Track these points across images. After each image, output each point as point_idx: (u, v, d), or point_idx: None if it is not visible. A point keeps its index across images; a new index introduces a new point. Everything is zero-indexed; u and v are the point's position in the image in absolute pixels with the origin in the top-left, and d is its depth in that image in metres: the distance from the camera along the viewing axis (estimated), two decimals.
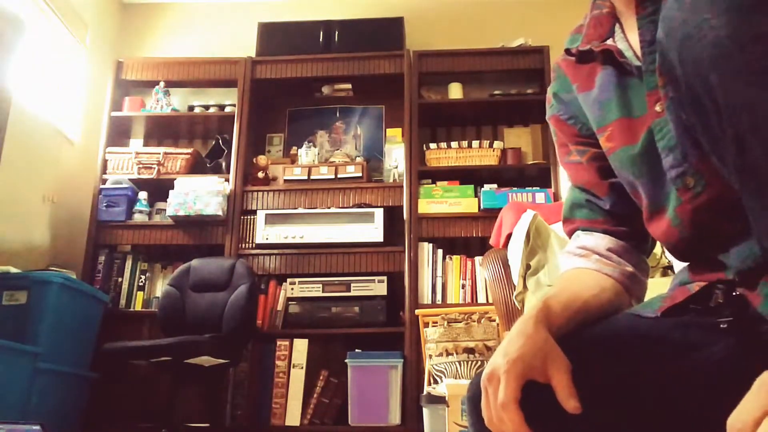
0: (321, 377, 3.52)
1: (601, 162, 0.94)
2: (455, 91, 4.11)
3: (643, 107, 0.82)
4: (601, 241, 0.96)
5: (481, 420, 0.77)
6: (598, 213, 0.98)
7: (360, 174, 3.88)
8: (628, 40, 0.88)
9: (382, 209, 3.72)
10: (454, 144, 3.94)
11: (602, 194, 0.96)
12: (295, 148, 4.14)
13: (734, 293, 0.78)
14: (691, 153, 0.74)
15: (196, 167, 4.04)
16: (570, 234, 1.02)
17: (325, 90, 4.23)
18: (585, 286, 0.90)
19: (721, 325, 0.77)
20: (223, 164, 4.01)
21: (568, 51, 0.98)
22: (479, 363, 2.95)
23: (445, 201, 3.79)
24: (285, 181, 3.93)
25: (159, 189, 3.91)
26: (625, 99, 0.86)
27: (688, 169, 0.76)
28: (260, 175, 3.96)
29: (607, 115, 0.89)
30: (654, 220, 0.85)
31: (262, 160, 3.99)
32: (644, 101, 0.82)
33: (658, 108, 0.78)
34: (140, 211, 3.89)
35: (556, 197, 3.72)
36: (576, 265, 0.96)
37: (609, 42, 0.89)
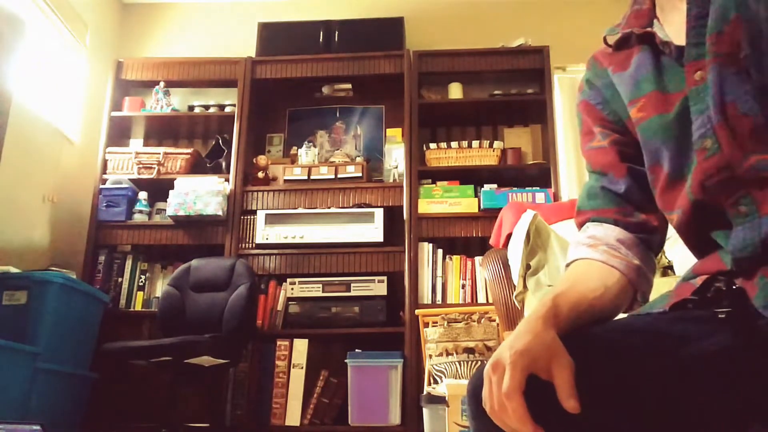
0: (321, 377, 3.52)
1: (623, 147, 0.99)
2: (455, 91, 4.11)
3: (677, 85, 0.88)
4: (611, 231, 0.98)
5: (481, 410, 0.78)
6: (611, 201, 1.00)
7: (360, 174, 3.88)
8: (665, 30, 0.93)
9: (382, 209, 3.73)
10: (454, 144, 3.94)
11: (619, 176, 0.99)
12: (295, 148, 4.14)
13: (734, 285, 0.80)
14: (715, 117, 0.81)
15: (196, 167, 4.04)
16: (580, 226, 1.03)
17: (325, 90, 4.23)
18: (589, 287, 0.91)
19: (719, 316, 0.80)
20: (223, 164, 4.01)
21: (606, 41, 1.03)
22: (479, 363, 2.95)
23: (445, 201, 3.79)
24: (285, 181, 3.93)
25: (159, 189, 3.91)
26: (660, 76, 0.92)
27: (708, 131, 0.82)
28: (260, 175, 3.96)
29: (641, 88, 0.94)
30: (673, 189, 0.89)
31: (262, 160, 3.99)
32: (680, 80, 0.87)
33: (697, 77, 0.84)
34: (140, 211, 3.89)
35: (556, 197, 3.73)
36: (583, 254, 0.98)
37: (648, 29, 0.95)
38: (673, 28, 0.92)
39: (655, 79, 0.92)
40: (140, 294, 3.82)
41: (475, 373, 0.82)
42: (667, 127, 0.89)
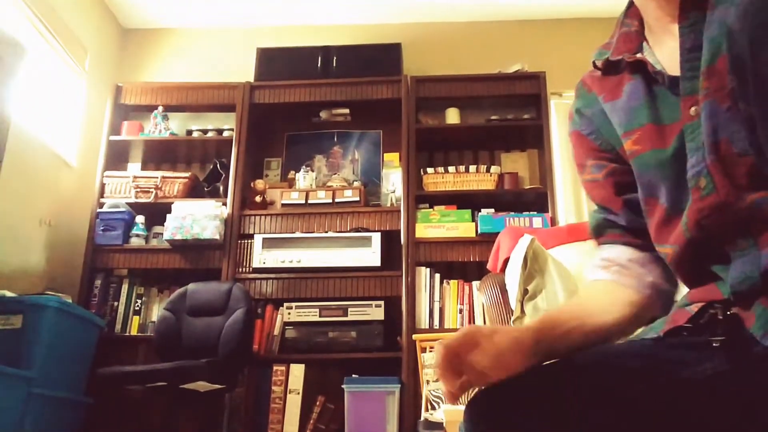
0: (317, 403, 3.50)
1: (618, 177, 0.99)
2: (452, 116, 4.13)
3: (672, 115, 0.86)
4: (623, 253, 0.99)
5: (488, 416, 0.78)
6: (617, 229, 1.01)
7: (357, 198, 3.89)
8: (656, 56, 0.92)
9: (379, 233, 3.73)
10: (451, 168, 3.95)
11: (617, 209, 1.00)
12: (292, 172, 4.15)
13: (729, 312, 0.80)
14: (708, 156, 0.79)
15: (193, 191, 4.04)
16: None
17: (323, 115, 4.25)
18: (598, 305, 0.94)
19: (714, 344, 0.80)
20: (221, 188, 4.01)
21: (594, 64, 1.02)
22: (477, 388, 2.93)
23: (442, 225, 3.79)
24: (282, 205, 3.93)
25: (156, 213, 3.91)
26: (654, 107, 0.90)
27: (703, 170, 0.80)
28: (258, 199, 3.96)
29: (635, 120, 0.92)
30: (669, 224, 0.88)
31: (259, 184, 4.00)
32: (674, 109, 0.86)
33: (692, 112, 0.82)
34: (137, 235, 3.89)
35: (554, 222, 3.73)
36: (596, 277, 1.00)
37: (638, 55, 0.93)
38: (665, 54, 0.90)
39: (649, 109, 0.90)
40: (136, 318, 3.80)
41: (471, 401, 0.82)
42: (664, 163, 0.88)
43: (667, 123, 0.87)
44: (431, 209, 3.86)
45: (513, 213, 3.78)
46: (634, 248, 0.98)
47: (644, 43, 0.94)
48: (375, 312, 3.61)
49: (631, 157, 0.94)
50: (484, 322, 3.55)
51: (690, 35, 0.83)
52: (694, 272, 0.88)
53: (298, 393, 3.50)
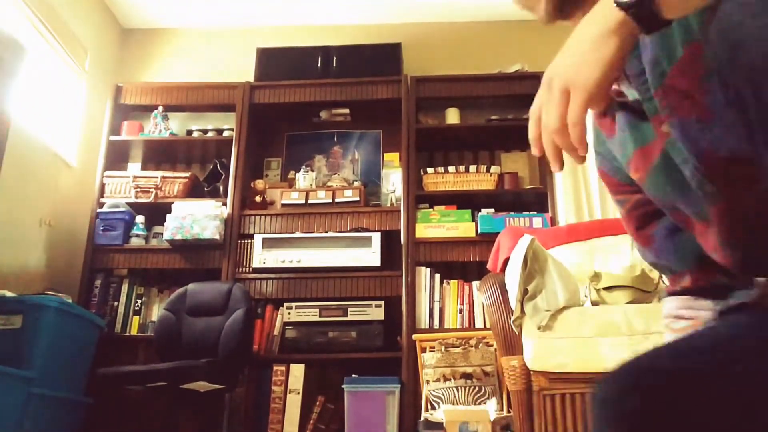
0: (318, 403, 3.50)
1: (640, 209, 1.00)
2: (452, 116, 4.14)
3: (651, 135, 0.86)
4: (670, 304, 1.02)
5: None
6: (661, 271, 1.04)
7: (357, 198, 3.89)
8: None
9: (379, 233, 3.73)
10: (451, 168, 3.95)
11: (645, 245, 1.02)
12: (292, 172, 4.15)
13: None
14: (699, 166, 0.79)
15: (193, 191, 4.04)
16: None
17: (323, 115, 4.25)
18: None
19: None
20: (221, 188, 4.01)
21: None
22: (477, 388, 2.93)
23: (442, 225, 3.79)
24: (282, 205, 3.93)
25: (156, 213, 3.91)
26: (637, 132, 0.90)
27: (702, 179, 0.80)
28: (258, 199, 3.96)
29: (627, 151, 0.93)
30: (706, 231, 0.88)
31: (259, 184, 4.00)
32: (650, 128, 0.86)
33: (664, 128, 0.82)
34: (137, 235, 3.89)
35: (554, 222, 3.73)
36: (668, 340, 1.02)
37: (614, 87, 0.92)
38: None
39: (633, 137, 0.91)
40: (136, 318, 3.80)
41: (612, 377, 0.75)
42: (659, 181, 0.89)
43: (649, 142, 0.88)
44: (431, 209, 3.86)
45: (513, 213, 3.78)
46: (672, 295, 1.01)
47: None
48: (375, 312, 3.61)
49: (641, 186, 0.94)
50: (484, 322, 3.56)
51: (633, 61, 0.82)
52: (752, 269, 0.86)
53: (298, 393, 3.50)
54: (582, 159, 0.77)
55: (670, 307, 1.02)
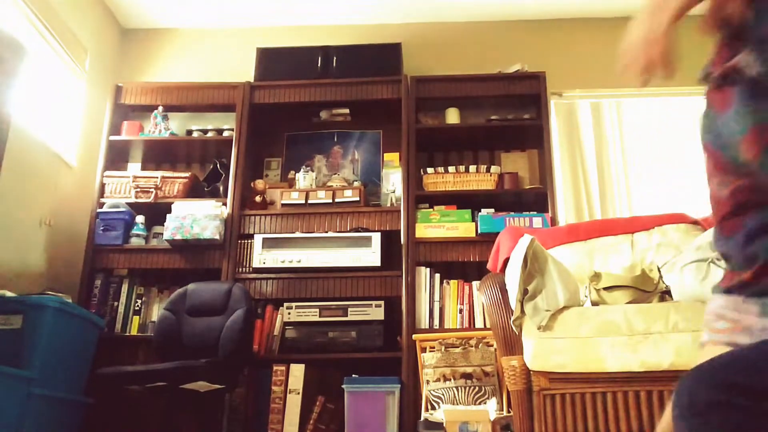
0: (317, 403, 3.49)
1: (739, 195, 1.00)
2: (452, 116, 4.14)
3: None
4: (716, 302, 1.03)
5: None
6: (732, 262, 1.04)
7: (357, 198, 3.89)
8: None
9: (379, 233, 3.73)
10: (451, 168, 3.95)
11: (730, 232, 1.01)
12: (292, 172, 4.15)
13: None
14: None
15: (193, 191, 4.04)
16: None
17: (323, 115, 4.25)
18: None
19: None
20: (221, 188, 4.01)
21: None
22: (477, 388, 2.93)
23: (442, 225, 3.79)
24: (282, 205, 3.93)
25: (156, 213, 3.91)
26: (756, 107, 0.93)
27: None
28: (258, 199, 3.96)
29: (742, 127, 0.94)
30: None
31: (259, 184, 4.00)
32: None
33: None
34: (137, 235, 3.89)
35: (554, 222, 3.73)
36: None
37: (733, 62, 0.95)
38: None
39: (752, 112, 0.93)
40: (136, 318, 3.80)
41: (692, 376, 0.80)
42: None
43: None
44: (431, 209, 3.86)
45: (513, 213, 3.78)
46: (727, 293, 1.01)
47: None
48: (375, 312, 3.61)
49: (752, 163, 0.94)
50: (484, 322, 3.56)
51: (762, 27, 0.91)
52: None
53: (298, 393, 3.50)
54: (668, 72, 0.87)
55: (716, 305, 1.01)
